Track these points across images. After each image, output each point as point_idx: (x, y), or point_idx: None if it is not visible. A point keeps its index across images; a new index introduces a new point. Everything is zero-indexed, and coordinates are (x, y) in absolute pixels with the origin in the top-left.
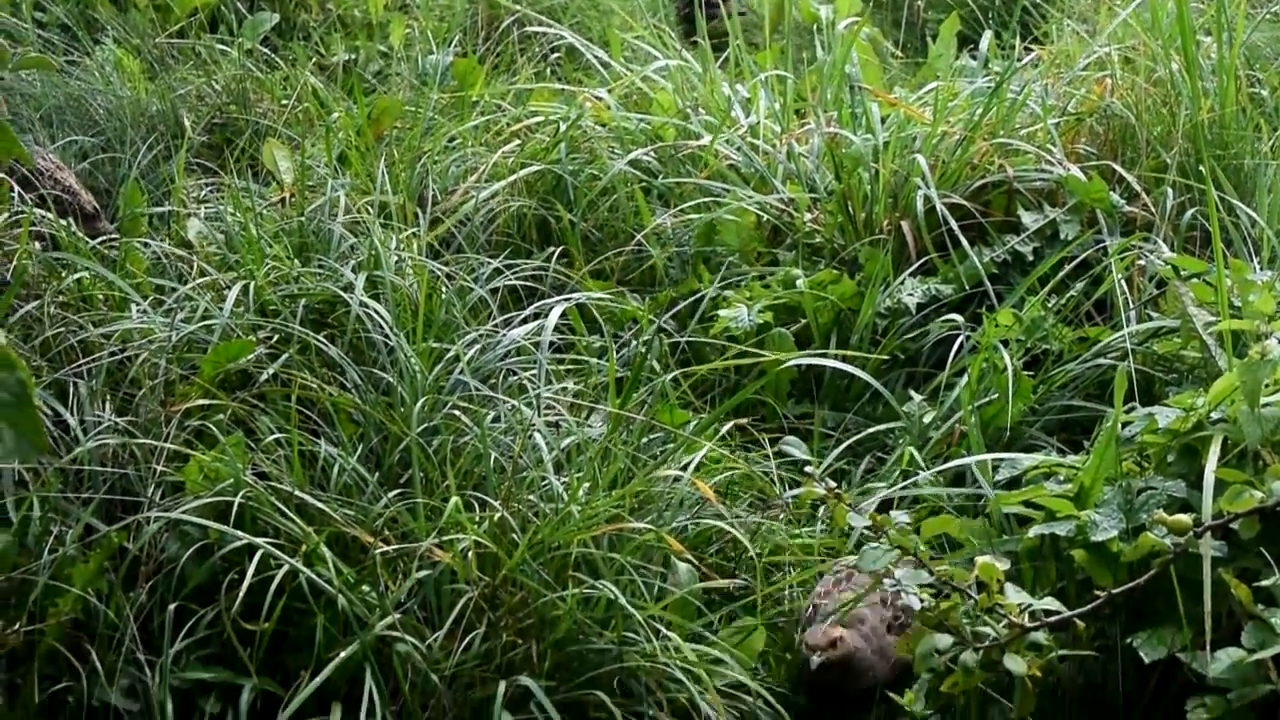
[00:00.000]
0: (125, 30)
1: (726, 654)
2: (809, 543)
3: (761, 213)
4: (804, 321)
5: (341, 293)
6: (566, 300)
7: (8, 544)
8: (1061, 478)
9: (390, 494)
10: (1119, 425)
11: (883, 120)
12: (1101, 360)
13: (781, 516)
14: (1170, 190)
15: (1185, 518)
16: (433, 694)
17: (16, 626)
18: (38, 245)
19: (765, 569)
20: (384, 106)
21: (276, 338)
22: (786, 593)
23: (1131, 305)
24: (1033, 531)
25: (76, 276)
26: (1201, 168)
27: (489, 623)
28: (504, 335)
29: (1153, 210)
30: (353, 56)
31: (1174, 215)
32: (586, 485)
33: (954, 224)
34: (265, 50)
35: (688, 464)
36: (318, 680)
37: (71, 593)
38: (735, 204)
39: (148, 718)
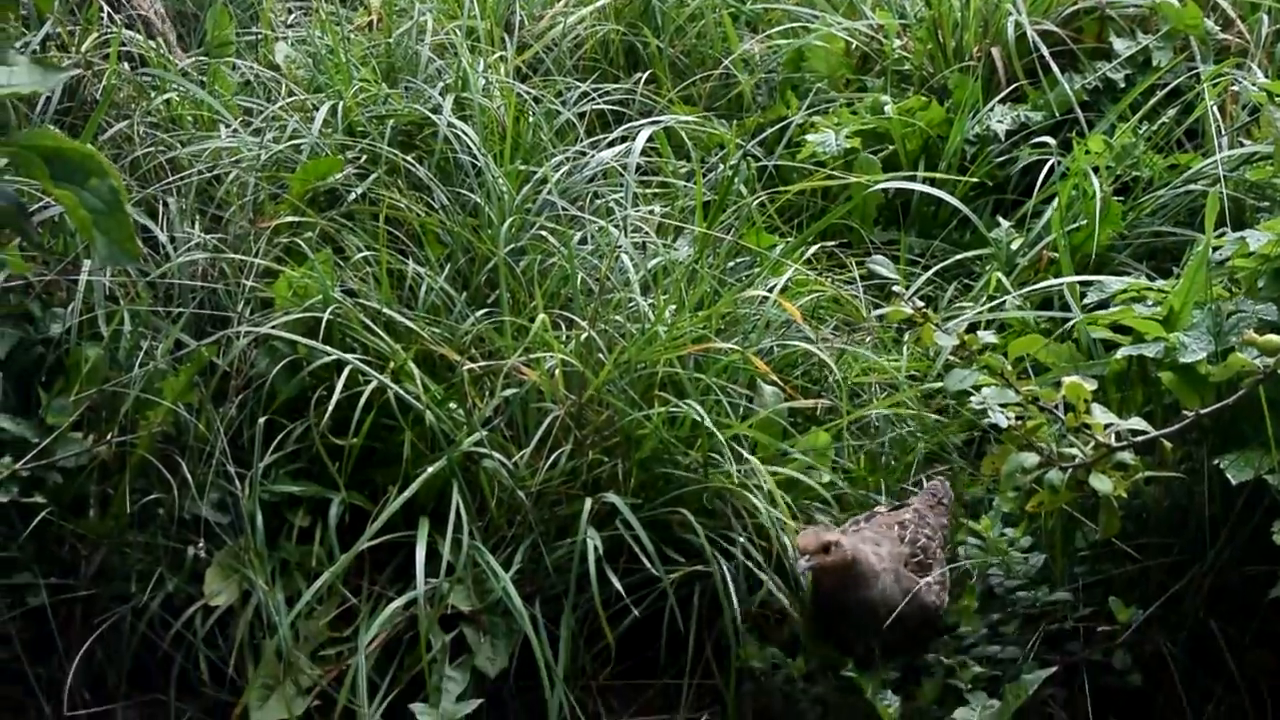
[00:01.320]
0: None
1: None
2: (895, 366)
3: (850, 39)
4: (891, 148)
5: (429, 114)
6: (654, 124)
7: (99, 357)
8: (1150, 301)
9: (477, 313)
10: (1209, 249)
11: None
12: (1192, 186)
13: (868, 340)
14: (1265, 17)
15: (1276, 338)
16: (519, 510)
17: (108, 438)
18: (126, 66)
19: (851, 392)
20: None
21: (365, 158)
22: (872, 416)
23: (1223, 132)
24: (1120, 353)
25: (165, 97)
26: None
27: (575, 441)
28: (591, 158)
29: (1247, 37)
30: None
31: (1269, 42)
32: (673, 306)
33: (1045, 50)
34: None
35: (774, 286)
36: (405, 495)
37: (162, 405)
38: (824, 30)
39: (238, 530)
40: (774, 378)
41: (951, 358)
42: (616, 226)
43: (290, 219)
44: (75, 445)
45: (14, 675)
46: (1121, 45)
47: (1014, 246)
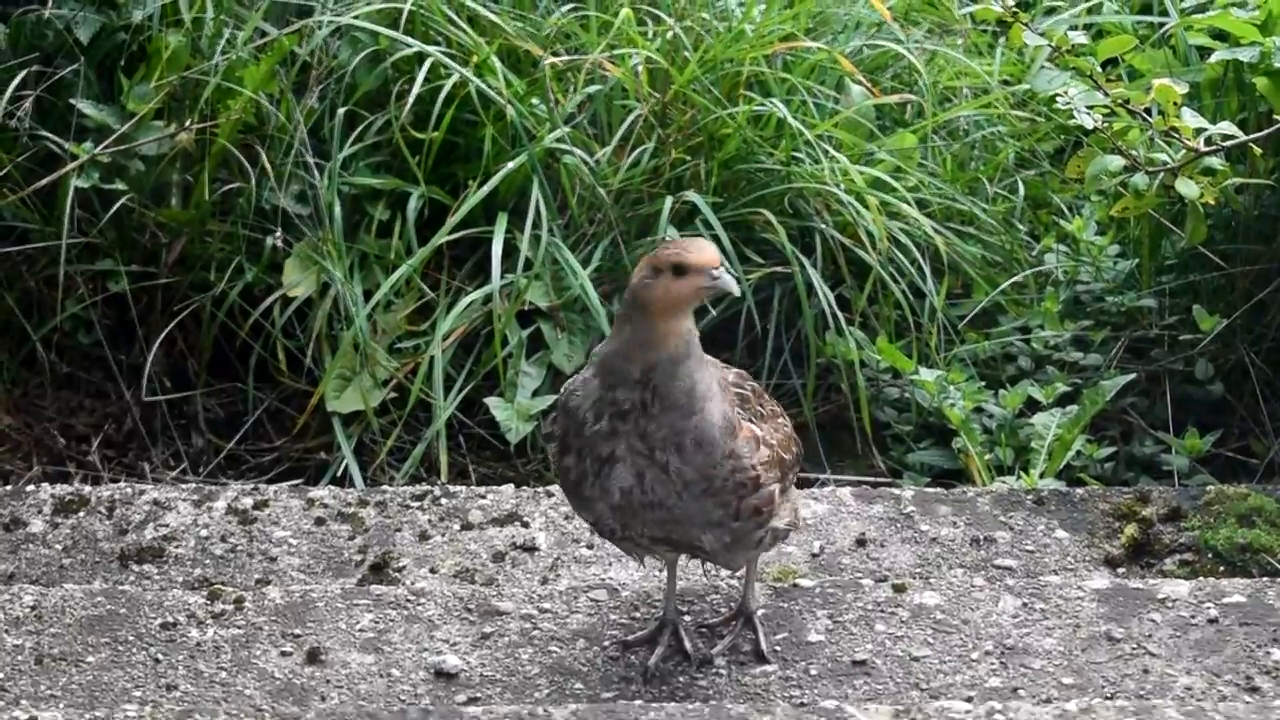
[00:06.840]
0: None
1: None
2: (988, 70)
3: None
4: None
5: None
6: None
7: (180, 44)
8: (1250, 6)
9: (562, 8)
10: None
11: None
12: None
13: (960, 43)
14: None
15: None
16: (599, 208)
17: (189, 124)
18: None
19: (941, 97)
20: None
21: None
22: (960, 119)
23: None
24: (1215, 57)
25: None
26: None
27: (657, 139)
28: None
29: None
30: None
31: None
32: (761, 4)
33: None
34: None
35: None
36: (485, 190)
37: (243, 94)
38: None
39: (317, 222)
40: (861, 78)
41: (1045, 64)
42: None
43: None
44: (156, 132)
45: (96, 361)
46: None
47: None
